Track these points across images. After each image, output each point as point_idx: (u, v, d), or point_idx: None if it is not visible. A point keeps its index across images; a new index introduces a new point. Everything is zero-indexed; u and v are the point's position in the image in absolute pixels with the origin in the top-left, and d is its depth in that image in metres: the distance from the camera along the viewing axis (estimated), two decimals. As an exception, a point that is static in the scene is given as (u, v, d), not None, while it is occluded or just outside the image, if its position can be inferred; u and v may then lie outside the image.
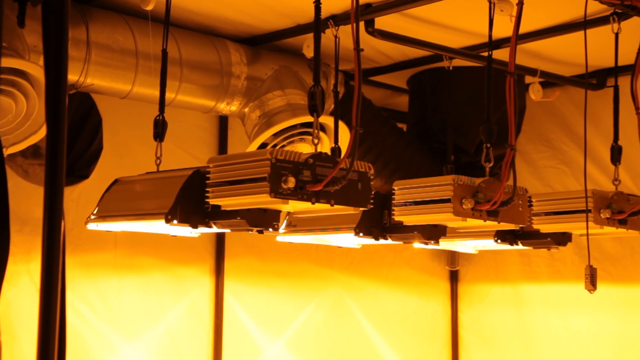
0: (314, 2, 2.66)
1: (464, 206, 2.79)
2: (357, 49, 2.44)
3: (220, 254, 4.26)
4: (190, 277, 4.16)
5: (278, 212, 2.62)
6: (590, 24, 3.55)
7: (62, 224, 1.65)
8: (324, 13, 3.60)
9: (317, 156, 2.41)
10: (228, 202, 2.46)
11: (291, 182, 2.31)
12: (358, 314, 4.82)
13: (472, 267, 5.22)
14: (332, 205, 2.42)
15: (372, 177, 2.55)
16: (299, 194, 2.35)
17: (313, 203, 2.38)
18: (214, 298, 4.22)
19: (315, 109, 2.46)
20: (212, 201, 2.49)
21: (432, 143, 4.40)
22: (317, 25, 2.57)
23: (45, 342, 1.59)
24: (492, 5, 3.01)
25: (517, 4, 2.81)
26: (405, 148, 4.28)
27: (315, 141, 2.47)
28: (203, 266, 4.22)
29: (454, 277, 5.29)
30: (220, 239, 4.27)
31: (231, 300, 4.27)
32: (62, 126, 1.74)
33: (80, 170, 3.70)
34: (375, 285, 4.92)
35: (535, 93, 4.25)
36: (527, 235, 3.63)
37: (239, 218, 2.53)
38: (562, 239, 3.64)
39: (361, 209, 2.51)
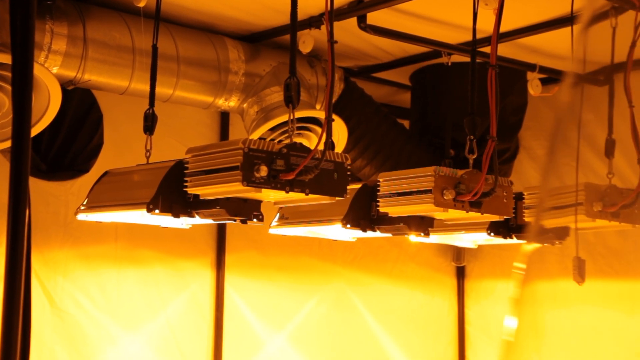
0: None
1: (445, 197, 2.82)
2: (331, 40, 2.49)
3: (221, 248, 4.31)
4: (190, 270, 4.22)
5: (258, 202, 2.67)
6: (593, 20, 3.56)
7: (27, 211, 1.72)
8: (318, 9, 3.66)
9: (292, 146, 2.46)
10: (205, 191, 2.52)
11: (263, 171, 2.36)
12: (362, 309, 4.84)
13: (479, 263, 5.23)
14: (306, 194, 2.47)
15: (349, 167, 2.59)
16: (273, 182, 2.40)
17: (287, 192, 2.42)
18: (215, 291, 4.27)
19: (290, 100, 2.50)
20: (191, 190, 2.55)
21: (432, 138, 4.42)
22: (294, 15, 2.60)
23: (9, 326, 1.65)
24: (476, -2, 3.03)
25: (498, -3, 2.83)
26: (405, 144, 4.31)
27: (291, 132, 2.51)
28: (204, 259, 4.27)
29: (460, 274, 5.29)
30: (221, 232, 4.32)
31: (232, 293, 4.32)
32: (27, 115, 1.81)
33: (81, 164, 3.78)
34: (380, 281, 4.94)
35: (534, 88, 4.27)
36: (522, 229, 3.64)
37: (218, 207, 2.58)
38: (560, 232, 3.64)
39: (337, 198, 2.55)
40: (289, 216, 3.37)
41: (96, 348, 3.88)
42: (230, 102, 3.89)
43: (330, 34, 2.46)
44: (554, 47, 4.14)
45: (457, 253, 5.23)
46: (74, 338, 3.82)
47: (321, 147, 2.43)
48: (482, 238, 3.78)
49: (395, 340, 4.97)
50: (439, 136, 4.40)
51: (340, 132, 3.97)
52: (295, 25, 2.59)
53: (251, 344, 4.40)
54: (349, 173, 2.58)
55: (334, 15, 3.56)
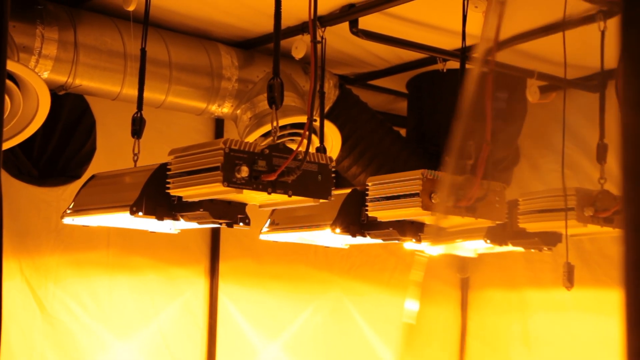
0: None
1: (433, 200, 2.80)
2: (314, 41, 2.46)
3: (215, 255, 4.28)
4: (184, 278, 4.19)
5: (243, 204, 2.64)
6: (580, 24, 3.54)
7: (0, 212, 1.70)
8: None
9: (274, 147, 2.43)
10: (186, 193, 2.50)
11: (244, 172, 2.34)
12: (358, 319, 4.79)
13: (479, 274, 5.17)
14: (289, 196, 2.44)
15: (333, 169, 2.57)
16: (254, 184, 2.37)
17: (269, 193, 2.40)
18: (209, 299, 4.23)
19: (273, 101, 2.48)
20: (173, 192, 2.52)
21: (428, 146, 4.39)
22: (278, 13, 2.57)
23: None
24: (465, 1, 3.01)
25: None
26: (401, 150, 4.28)
27: (274, 134, 2.49)
28: (197, 267, 4.24)
29: (463, 284, 5.24)
30: (215, 240, 4.29)
31: (226, 301, 4.29)
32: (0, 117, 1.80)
33: (73, 170, 3.77)
34: (377, 290, 4.89)
35: (532, 95, 4.24)
36: (516, 236, 3.60)
37: (201, 210, 2.55)
38: (551, 239, 3.60)
39: (321, 200, 2.52)
40: (279, 222, 3.35)
41: (88, 356, 3.85)
42: (223, 109, 3.87)
43: (313, 35, 2.43)
44: (553, 53, 4.10)
45: (462, 264, 5.17)
46: (65, 345, 3.79)
47: (304, 147, 2.40)
48: (480, 246, 3.73)
49: (393, 351, 4.91)
50: (435, 143, 4.37)
51: (333, 138, 3.95)
52: (279, 24, 2.57)
53: (245, 353, 4.36)
54: (333, 175, 2.55)
55: (327, 21, 3.59)
